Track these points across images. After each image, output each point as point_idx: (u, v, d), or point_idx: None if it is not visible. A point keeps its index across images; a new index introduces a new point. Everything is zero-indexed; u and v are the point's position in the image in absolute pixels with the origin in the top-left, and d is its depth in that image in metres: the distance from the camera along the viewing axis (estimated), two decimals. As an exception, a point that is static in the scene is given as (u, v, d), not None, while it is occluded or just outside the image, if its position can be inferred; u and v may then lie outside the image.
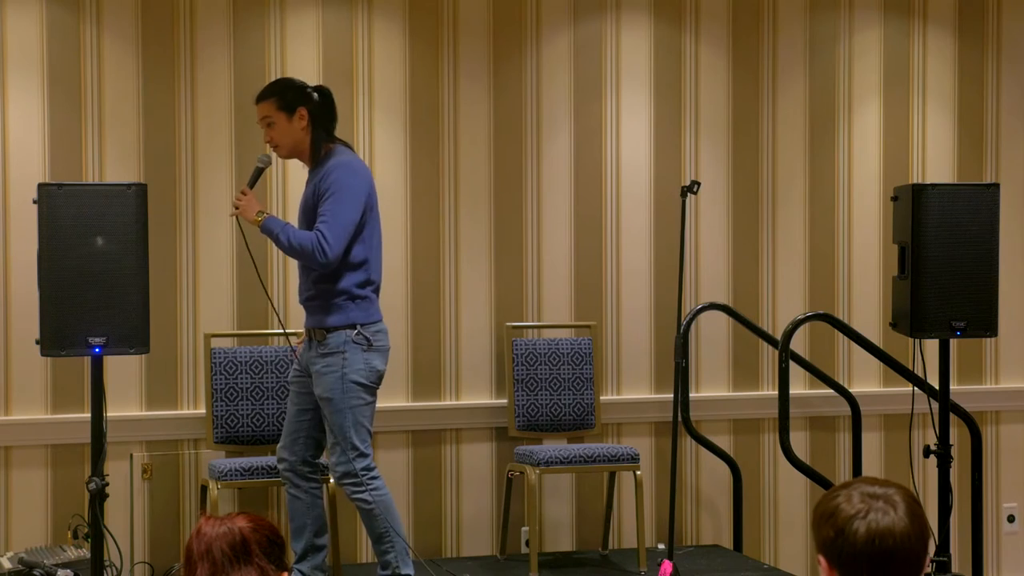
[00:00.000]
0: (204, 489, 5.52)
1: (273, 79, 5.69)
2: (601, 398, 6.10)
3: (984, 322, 5.41)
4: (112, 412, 5.15)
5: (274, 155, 5.16)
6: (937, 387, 5.52)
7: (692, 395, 6.10)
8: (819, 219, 6.41)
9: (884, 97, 6.49)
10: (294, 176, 5.71)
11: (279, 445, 5.14)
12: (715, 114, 6.29)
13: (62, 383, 5.58)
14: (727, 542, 6.24)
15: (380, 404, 5.15)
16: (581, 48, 6.15)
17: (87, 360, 5.03)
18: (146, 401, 5.68)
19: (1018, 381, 6.66)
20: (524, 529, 5.97)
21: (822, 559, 2.32)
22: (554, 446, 5.81)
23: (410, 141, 5.95)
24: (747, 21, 6.33)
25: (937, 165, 6.53)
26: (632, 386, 6.20)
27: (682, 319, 5.52)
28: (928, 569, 5.43)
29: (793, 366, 5.87)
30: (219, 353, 5.64)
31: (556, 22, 6.12)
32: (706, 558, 5.95)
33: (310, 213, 4.94)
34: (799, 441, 6.24)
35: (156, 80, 5.68)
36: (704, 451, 6.13)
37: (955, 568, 5.94)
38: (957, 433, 5.92)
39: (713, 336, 6.27)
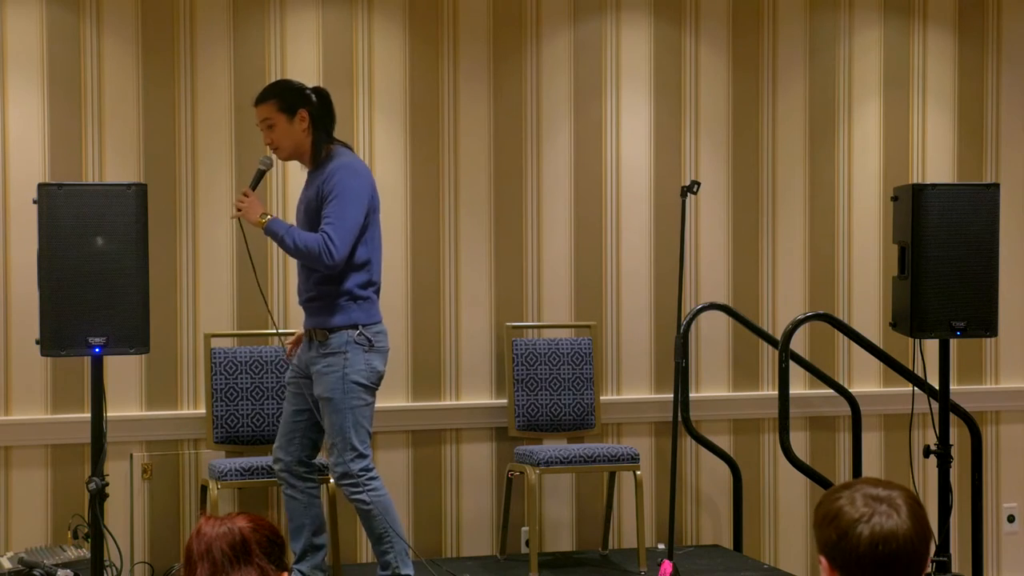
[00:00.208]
0: (204, 489, 5.52)
1: (272, 80, 5.70)
2: (601, 398, 6.10)
3: (984, 322, 5.41)
4: (112, 412, 5.15)
5: (274, 157, 5.15)
6: (937, 387, 5.52)
7: (692, 395, 6.10)
8: (819, 219, 6.41)
9: (884, 97, 6.49)
10: (294, 177, 5.70)
11: (275, 445, 5.13)
12: (715, 114, 6.29)
13: (62, 383, 5.58)
14: (727, 542, 6.24)
15: (380, 404, 5.15)
16: (581, 48, 6.15)
17: (87, 360, 5.03)
18: (146, 401, 5.68)
19: (1018, 381, 6.66)
20: (524, 529, 5.97)
21: (823, 560, 2.32)
22: (554, 446, 5.81)
23: (410, 141, 5.95)
24: (747, 21, 6.33)
25: (937, 165, 6.53)
26: (632, 386, 6.20)
27: (682, 319, 5.52)
28: (928, 569, 5.43)
29: (793, 366, 5.87)
30: (219, 353, 5.64)
31: (556, 22, 6.12)
32: (706, 558, 5.95)
33: (313, 215, 4.93)
34: (799, 441, 6.24)
35: (156, 80, 5.68)
36: (704, 451, 6.13)
37: (955, 568, 5.94)
38: (957, 433, 5.92)
39: (713, 336, 6.27)
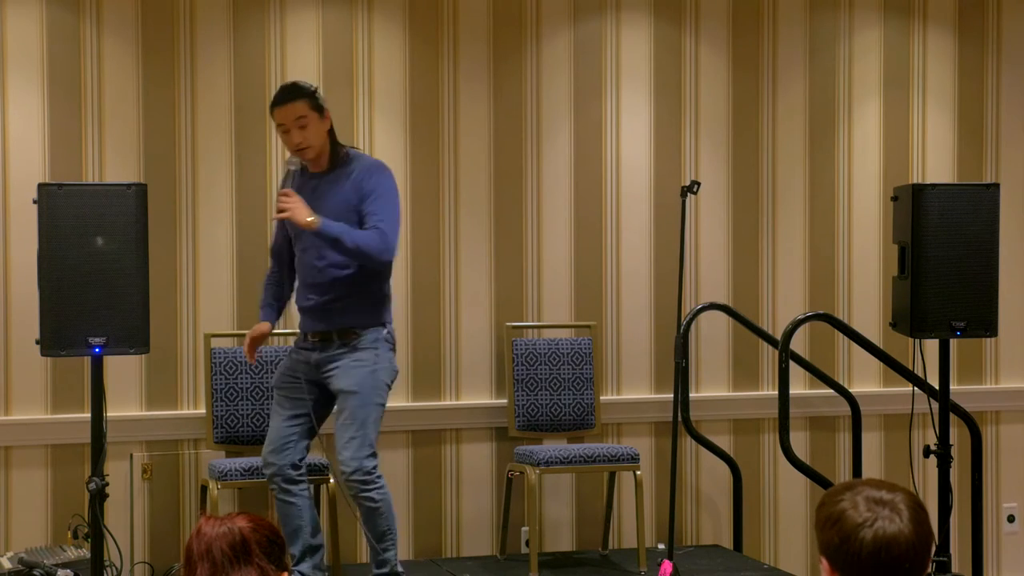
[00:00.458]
0: (204, 489, 5.52)
1: (272, 80, 5.70)
2: (601, 398, 6.10)
3: (984, 322, 5.41)
4: (112, 412, 5.15)
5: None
6: (937, 387, 5.52)
7: (692, 395, 6.10)
8: (819, 219, 6.41)
9: (884, 97, 6.49)
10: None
11: (266, 450, 5.02)
12: (715, 114, 6.29)
13: (62, 383, 5.58)
14: (727, 542, 6.24)
15: (380, 404, 5.16)
16: (581, 48, 6.14)
17: (87, 360, 5.02)
18: (146, 401, 5.67)
19: (1018, 381, 6.66)
20: (524, 529, 5.97)
21: (824, 562, 2.32)
22: (554, 446, 5.81)
23: (410, 141, 5.95)
24: (747, 21, 6.33)
25: (937, 165, 6.53)
26: (632, 386, 6.20)
27: (682, 319, 5.52)
28: (928, 569, 5.43)
29: (793, 366, 5.87)
30: (219, 353, 5.64)
31: (556, 22, 6.12)
32: (706, 558, 5.95)
33: (349, 214, 4.88)
34: (799, 441, 6.24)
35: (156, 80, 5.68)
36: (704, 451, 6.13)
37: (955, 568, 5.94)
38: (957, 433, 5.92)
39: (713, 336, 6.27)
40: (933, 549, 2.44)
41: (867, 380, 6.45)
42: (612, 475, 6.01)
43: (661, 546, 5.99)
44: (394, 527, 4.93)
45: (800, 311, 6.25)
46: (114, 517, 5.48)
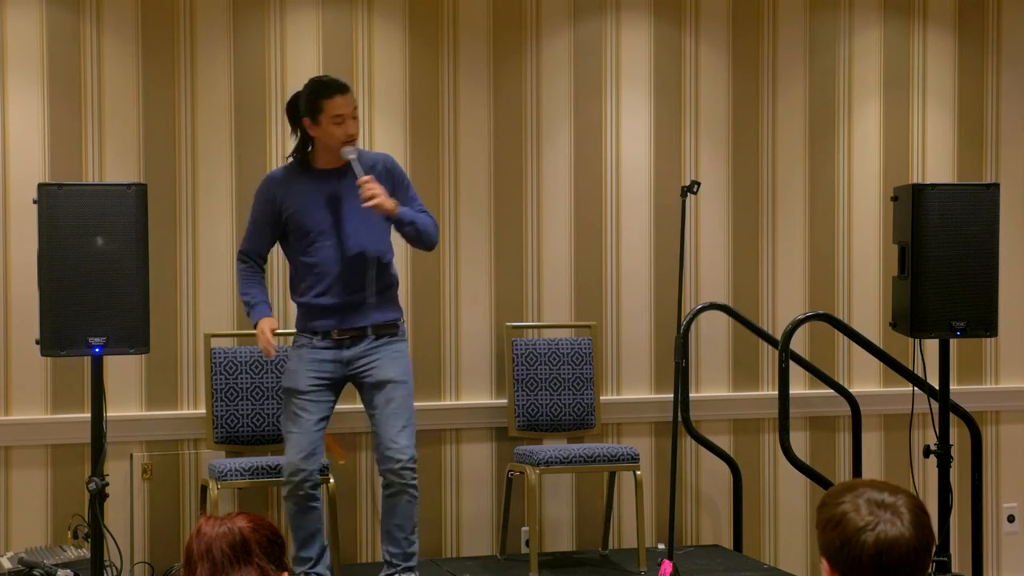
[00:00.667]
0: (204, 489, 5.52)
1: (271, 81, 5.71)
2: (601, 398, 6.10)
3: (984, 322, 5.41)
4: (112, 412, 5.15)
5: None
6: (937, 387, 5.52)
7: (692, 395, 6.10)
8: (819, 219, 6.41)
9: (884, 97, 6.49)
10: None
11: (297, 457, 4.98)
12: (715, 114, 6.29)
13: (62, 383, 5.57)
14: (727, 542, 6.24)
15: (380, 404, 5.16)
16: (581, 48, 6.14)
17: (87, 360, 5.03)
18: (146, 401, 5.67)
19: (1018, 381, 6.66)
20: (524, 529, 5.97)
21: (825, 563, 2.32)
22: (554, 446, 5.81)
23: (410, 141, 5.94)
24: (747, 21, 6.33)
25: (937, 165, 6.53)
26: (632, 386, 6.20)
27: (682, 319, 5.52)
28: (928, 569, 5.44)
29: (793, 366, 5.87)
30: (219, 353, 5.64)
31: (556, 22, 6.12)
32: (706, 558, 5.95)
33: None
34: (799, 441, 6.24)
35: (156, 80, 5.68)
36: (704, 451, 6.13)
37: (955, 568, 5.94)
38: (957, 433, 5.92)
39: (713, 336, 6.27)
40: (933, 550, 2.44)
41: (867, 380, 6.45)
42: (612, 475, 6.01)
43: (661, 546, 5.99)
44: None
45: (800, 311, 6.25)
46: (114, 517, 5.48)
